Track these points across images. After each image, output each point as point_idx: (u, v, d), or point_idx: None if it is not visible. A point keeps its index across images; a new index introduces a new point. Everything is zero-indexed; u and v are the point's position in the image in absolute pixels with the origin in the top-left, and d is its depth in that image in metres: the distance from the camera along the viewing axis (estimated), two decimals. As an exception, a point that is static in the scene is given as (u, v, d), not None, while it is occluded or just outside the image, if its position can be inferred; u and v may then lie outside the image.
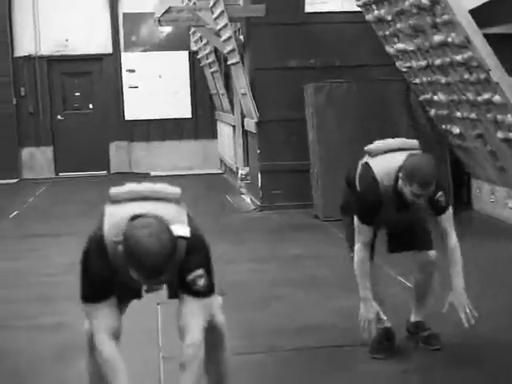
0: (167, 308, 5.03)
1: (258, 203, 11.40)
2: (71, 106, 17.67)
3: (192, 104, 17.71)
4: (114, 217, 3.37)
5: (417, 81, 9.93)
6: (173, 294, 3.51)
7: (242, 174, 13.12)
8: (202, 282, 3.33)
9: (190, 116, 17.68)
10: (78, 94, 17.64)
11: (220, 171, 17.03)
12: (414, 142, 4.93)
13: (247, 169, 12.83)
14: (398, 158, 4.65)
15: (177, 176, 16.48)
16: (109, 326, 3.34)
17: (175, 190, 3.54)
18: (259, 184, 11.33)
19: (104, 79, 17.60)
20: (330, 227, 9.67)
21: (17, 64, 17.23)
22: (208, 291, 3.36)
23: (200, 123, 17.70)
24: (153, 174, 17.08)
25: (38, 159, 17.47)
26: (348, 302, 5.62)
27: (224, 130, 16.21)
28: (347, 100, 10.39)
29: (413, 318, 5.16)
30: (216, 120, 17.29)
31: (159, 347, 5.27)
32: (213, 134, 17.53)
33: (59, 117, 17.50)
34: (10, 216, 11.99)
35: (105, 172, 17.51)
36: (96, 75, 17.65)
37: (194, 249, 3.33)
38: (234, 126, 14.39)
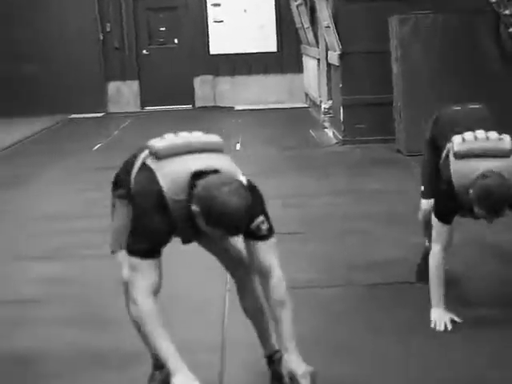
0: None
1: (340, 137, 11.28)
2: (156, 40, 17.72)
3: (278, 38, 17.55)
4: (169, 173, 3.33)
5: (507, 12, 9.57)
6: (186, 240, 3.57)
7: (324, 108, 12.98)
8: (264, 227, 3.41)
9: (275, 50, 17.53)
10: (163, 28, 17.67)
11: (305, 105, 16.90)
12: (506, 147, 4.35)
13: (330, 103, 12.67)
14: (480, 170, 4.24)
15: (261, 110, 16.47)
16: (151, 281, 3.30)
17: (217, 139, 3.55)
18: (341, 118, 11.20)
19: (189, 14, 17.55)
20: (412, 162, 9.51)
21: (102, 0, 17.32)
22: (271, 232, 3.44)
23: (286, 57, 17.54)
24: (237, 107, 17.07)
25: (124, 93, 17.65)
26: (424, 239, 5.52)
27: (309, 64, 16.03)
28: (433, 32, 10.12)
29: None
30: (302, 54, 17.10)
31: (227, 281, 5.28)
32: (298, 68, 17.35)
33: (144, 51, 17.58)
34: (94, 148, 12.18)
35: (190, 106, 17.57)
36: (181, 10, 17.61)
37: (251, 197, 3.34)
38: (318, 60, 14.22)
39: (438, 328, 4.39)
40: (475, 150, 4.33)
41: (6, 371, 4.15)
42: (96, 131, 14.30)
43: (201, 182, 3.22)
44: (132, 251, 3.33)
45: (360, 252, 5.96)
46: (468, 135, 4.42)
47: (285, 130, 13.44)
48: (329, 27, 11.28)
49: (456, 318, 4.46)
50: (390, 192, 8.05)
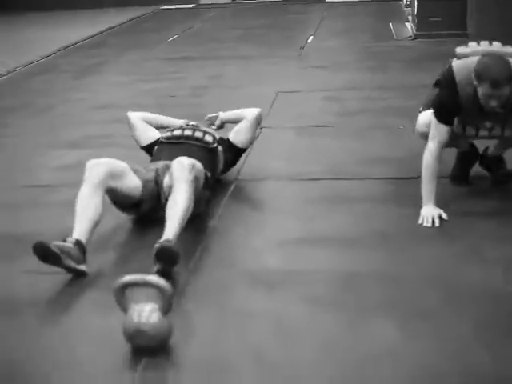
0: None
1: (414, 31, 10.92)
2: None
3: None
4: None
5: None
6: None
7: (406, 1, 12.57)
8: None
9: None
10: None
11: (399, -2, 16.40)
12: (509, 50, 4.43)
13: (412, -5, 12.24)
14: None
15: (352, 2, 16.11)
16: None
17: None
18: (415, 10, 10.81)
19: None
20: (479, 57, 9.17)
21: None
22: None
23: None
24: (328, -1, 16.76)
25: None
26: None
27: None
28: None
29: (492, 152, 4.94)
30: None
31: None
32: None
33: None
34: (169, 40, 12.23)
35: (281, -2, 17.32)
36: None
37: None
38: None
39: (425, 224, 4.36)
40: (478, 52, 4.40)
41: (7, 247, 4.38)
42: (179, 23, 14.31)
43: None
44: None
45: (382, 147, 5.87)
46: (471, 43, 4.50)
47: (366, 23, 13.10)
48: None
49: (444, 215, 4.41)
50: (441, 87, 7.78)
